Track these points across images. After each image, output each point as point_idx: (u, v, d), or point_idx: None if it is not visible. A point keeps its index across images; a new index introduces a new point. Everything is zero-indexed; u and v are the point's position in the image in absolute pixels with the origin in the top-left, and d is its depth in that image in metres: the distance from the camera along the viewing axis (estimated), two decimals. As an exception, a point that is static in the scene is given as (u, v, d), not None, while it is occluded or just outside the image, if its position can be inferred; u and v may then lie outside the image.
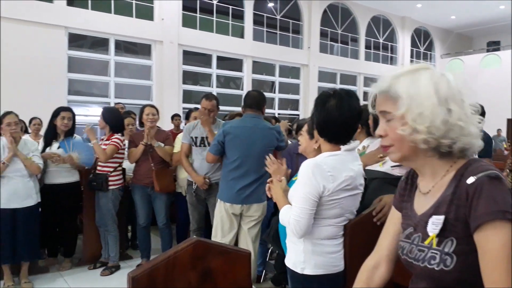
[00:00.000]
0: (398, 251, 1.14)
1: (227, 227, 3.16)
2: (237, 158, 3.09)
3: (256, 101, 3.16)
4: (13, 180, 3.43)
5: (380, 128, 1.08)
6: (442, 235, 0.98)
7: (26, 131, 4.71)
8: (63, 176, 3.90)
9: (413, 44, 17.57)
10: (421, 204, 1.09)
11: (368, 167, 2.09)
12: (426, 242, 1.01)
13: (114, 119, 3.99)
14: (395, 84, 1.04)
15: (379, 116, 1.09)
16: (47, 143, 3.91)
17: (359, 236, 1.73)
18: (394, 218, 1.22)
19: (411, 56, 17.44)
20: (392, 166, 1.95)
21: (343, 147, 1.72)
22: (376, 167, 2.06)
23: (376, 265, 1.23)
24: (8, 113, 3.50)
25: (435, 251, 0.98)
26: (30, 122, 4.94)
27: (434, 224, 0.99)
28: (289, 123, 4.39)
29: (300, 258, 1.74)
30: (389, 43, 16.84)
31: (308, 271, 1.72)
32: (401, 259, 1.11)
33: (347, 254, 1.75)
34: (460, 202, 0.96)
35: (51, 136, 3.95)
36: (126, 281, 1.33)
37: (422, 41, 18.11)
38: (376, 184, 1.99)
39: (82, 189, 4.12)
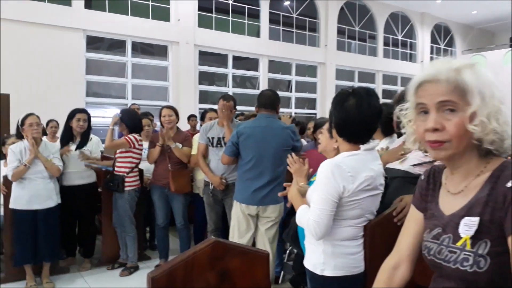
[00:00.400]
0: (422, 251, 1.12)
1: (243, 228, 3.14)
2: (252, 158, 3.07)
3: (270, 100, 3.14)
4: (35, 181, 3.49)
5: (435, 121, 0.98)
6: (476, 237, 0.96)
7: (45, 133, 4.78)
8: (80, 177, 3.96)
9: (433, 40, 17.26)
10: (450, 204, 1.06)
11: (388, 165, 2.04)
12: (459, 244, 0.98)
13: (132, 120, 4.02)
14: (461, 76, 0.97)
15: (432, 107, 0.99)
16: (63, 145, 3.98)
17: (380, 237, 1.69)
18: (414, 218, 1.20)
19: (431, 53, 17.13)
20: (413, 165, 1.90)
21: (362, 147, 1.69)
22: (396, 165, 2.01)
23: (396, 265, 1.21)
24: (29, 114, 3.56)
25: (469, 253, 0.96)
26: (47, 124, 5.02)
27: (467, 226, 0.97)
28: (290, 117, 4.32)
29: (319, 259, 1.71)
30: (408, 40, 16.58)
31: (328, 273, 1.69)
32: (426, 259, 1.09)
33: (367, 255, 1.72)
34: (497, 204, 0.94)
35: (67, 138, 4.02)
36: (146, 282, 1.33)
37: (443, 37, 17.77)
38: (397, 184, 1.94)
39: (100, 190, 4.17)
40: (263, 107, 3.15)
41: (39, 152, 3.50)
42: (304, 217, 1.68)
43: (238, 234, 3.16)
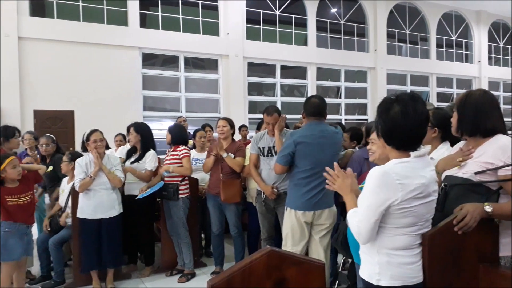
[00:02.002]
0: None
1: (297, 236, 3.12)
2: (311, 166, 3.06)
3: (318, 108, 3.13)
4: (99, 192, 3.72)
5: None
6: None
7: (107, 147, 5.07)
8: (138, 188, 4.13)
9: (491, 39, 16.35)
10: None
11: (446, 173, 1.97)
12: None
13: (179, 133, 4.24)
14: None
15: None
16: (127, 158, 4.25)
17: (439, 247, 1.65)
18: None
19: (489, 52, 16.23)
20: (476, 173, 1.82)
21: (412, 154, 1.65)
22: (455, 171, 1.94)
23: None
24: (94, 131, 3.80)
25: None
26: (115, 137, 5.36)
27: None
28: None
29: (375, 269, 1.69)
30: (463, 40, 15.83)
31: (384, 283, 1.66)
32: None
33: (426, 265, 1.67)
34: None
35: (131, 151, 4.31)
36: (205, 288, 1.39)
37: (501, 35, 16.79)
38: (457, 192, 1.87)
39: (159, 200, 4.35)
40: (311, 115, 3.14)
41: (103, 164, 3.74)
42: (352, 220, 1.69)
43: (292, 242, 3.14)
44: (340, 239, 2.37)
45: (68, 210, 3.99)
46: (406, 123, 1.61)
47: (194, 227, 4.38)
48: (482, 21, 15.81)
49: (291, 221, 3.13)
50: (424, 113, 1.66)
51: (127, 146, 4.60)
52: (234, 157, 4.00)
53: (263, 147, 3.69)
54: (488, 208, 1.69)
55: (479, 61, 15.79)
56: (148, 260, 4.30)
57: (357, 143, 3.95)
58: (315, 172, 3.05)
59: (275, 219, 3.75)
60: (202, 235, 4.97)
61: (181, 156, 4.07)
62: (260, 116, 4.44)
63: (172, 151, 4.17)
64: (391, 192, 1.58)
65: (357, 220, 1.63)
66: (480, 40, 15.89)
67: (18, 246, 3.29)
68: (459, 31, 15.67)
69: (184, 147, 4.16)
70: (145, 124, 4.50)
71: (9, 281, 3.36)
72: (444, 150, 2.30)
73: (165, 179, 4.09)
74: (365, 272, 1.75)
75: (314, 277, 1.55)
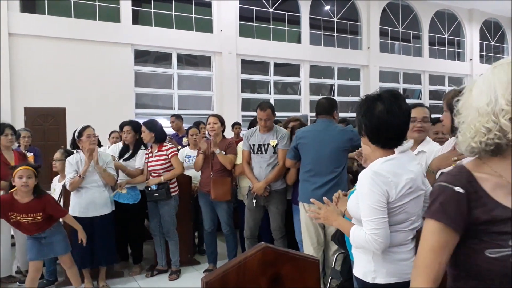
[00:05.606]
0: (504, 261, 0.97)
1: (311, 230, 3.26)
2: (310, 160, 3.22)
3: (324, 108, 3.34)
4: (91, 190, 3.67)
5: None
6: None
7: (99, 145, 5.00)
8: (127, 186, 4.08)
9: (483, 37, 16.48)
10: None
11: (442, 171, 1.97)
12: None
13: (159, 130, 4.03)
14: None
15: None
16: (120, 156, 4.23)
17: (434, 242, 1.65)
18: (451, 243, 1.02)
19: (481, 50, 16.36)
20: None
21: (397, 150, 1.66)
22: (449, 170, 1.94)
23: None
24: (86, 127, 3.75)
25: None
26: (110, 135, 5.31)
27: None
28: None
29: (370, 267, 1.68)
30: (456, 38, 15.94)
31: (380, 280, 1.65)
32: (505, 269, 0.96)
33: (421, 261, 1.67)
34: None
35: (124, 150, 4.29)
36: (199, 285, 1.37)
37: (493, 33, 16.93)
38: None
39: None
40: (319, 114, 3.36)
41: (98, 163, 3.68)
42: (360, 236, 1.62)
43: (308, 236, 3.28)
44: (338, 235, 2.39)
45: None
46: (392, 121, 1.61)
47: (187, 225, 4.35)
48: (474, 19, 15.93)
49: (304, 215, 3.28)
50: (408, 110, 1.67)
51: (120, 144, 4.51)
52: (225, 154, 3.98)
53: (253, 144, 3.71)
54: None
55: (471, 59, 15.91)
56: (136, 258, 4.27)
57: None
58: (315, 166, 3.22)
59: (262, 218, 3.77)
60: (195, 233, 4.94)
61: (170, 156, 3.98)
62: (254, 113, 4.42)
63: (157, 152, 4.00)
64: (387, 189, 1.57)
65: (369, 228, 1.58)
66: (472, 38, 16.01)
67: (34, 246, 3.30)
68: (451, 29, 15.77)
69: (170, 145, 4.09)
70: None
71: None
72: (432, 143, 2.35)
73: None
74: (360, 271, 1.74)
75: (309, 273, 1.54)
